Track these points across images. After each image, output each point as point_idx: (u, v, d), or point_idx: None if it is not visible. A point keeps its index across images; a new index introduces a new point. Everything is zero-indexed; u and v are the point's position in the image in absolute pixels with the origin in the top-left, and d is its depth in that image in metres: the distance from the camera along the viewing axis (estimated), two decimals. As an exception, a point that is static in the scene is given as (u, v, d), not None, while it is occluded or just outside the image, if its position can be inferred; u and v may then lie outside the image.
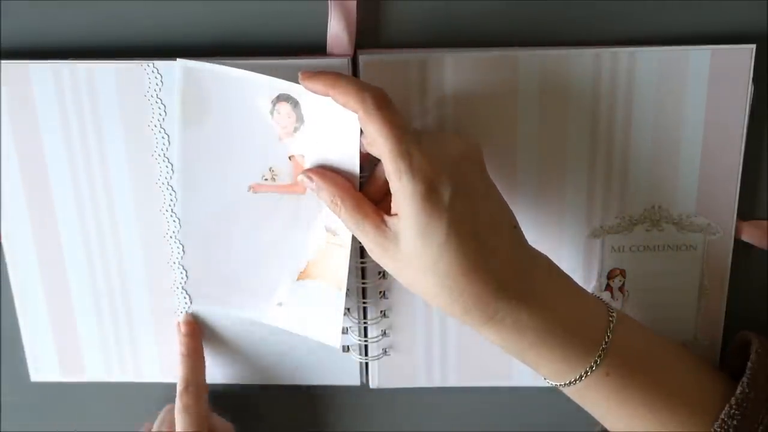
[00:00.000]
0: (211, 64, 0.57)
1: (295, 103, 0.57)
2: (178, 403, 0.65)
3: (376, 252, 0.55)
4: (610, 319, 0.56)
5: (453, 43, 0.60)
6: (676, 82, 0.59)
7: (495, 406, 0.71)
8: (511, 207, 0.57)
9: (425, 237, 0.52)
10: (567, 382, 0.56)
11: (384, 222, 0.55)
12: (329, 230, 0.60)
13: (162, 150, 0.62)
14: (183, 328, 0.67)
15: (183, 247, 0.65)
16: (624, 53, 0.59)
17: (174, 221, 0.65)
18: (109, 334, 0.69)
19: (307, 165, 0.59)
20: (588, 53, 0.59)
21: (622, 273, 0.65)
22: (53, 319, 0.68)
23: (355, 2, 0.59)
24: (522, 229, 0.57)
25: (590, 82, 0.59)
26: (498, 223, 0.55)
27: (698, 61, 0.59)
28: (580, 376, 0.55)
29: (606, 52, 0.59)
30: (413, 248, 0.53)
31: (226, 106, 0.58)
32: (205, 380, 0.67)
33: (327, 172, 0.57)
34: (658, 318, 0.65)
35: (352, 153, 0.57)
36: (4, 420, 0.73)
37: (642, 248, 0.64)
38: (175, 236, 0.65)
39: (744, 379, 0.56)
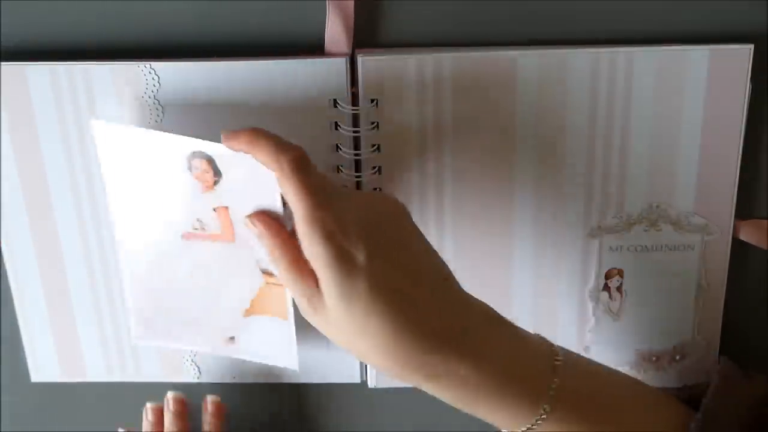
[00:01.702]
0: (125, 126, 0.57)
1: (209, 158, 0.56)
2: None
3: (309, 314, 0.53)
4: (557, 362, 0.54)
5: (451, 43, 0.59)
6: (674, 81, 0.59)
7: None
8: (509, 208, 0.56)
9: (347, 301, 0.50)
10: (520, 431, 0.53)
11: (317, 284, 0.52)
12: (265, 272, 0.60)
13: None
14: (172, 406, 0.67)
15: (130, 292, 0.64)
16: (622, 53, 0.58)
17: None
18: (109, 334, 0.67)
19: (233, 212, 0.58)
20: (586, 53, 0.58)
21: (620, 273, 0.64)
22: (53, 319, 0.67)
23: (352, 2, 0.58)
24: (520, 229, 0.56)
25: (588, 81, 0.59)
26: (425, 276, 0.52)
27: (697, 60, 0.58)
28: (533, 424, 0.53)
29: (604, 52, 0.58)
30: (339, 313, 0.50)
31: (145, 165, 0.58)
32: None
33: (271, 220, 0.55)
34: (656, 318, 0.65)
35: (274, 202, 0.56)
36: (4, 420, 0.72)
37: (640, 248, 0.63)
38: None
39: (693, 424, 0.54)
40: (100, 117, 0.60)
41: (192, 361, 0.68)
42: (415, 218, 0.61)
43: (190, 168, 0.57)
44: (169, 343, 0.64)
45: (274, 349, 0.63)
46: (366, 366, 0.67)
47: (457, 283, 0.53)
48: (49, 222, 0.64)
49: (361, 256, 0.50)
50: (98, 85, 0.59)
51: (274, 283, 0.60)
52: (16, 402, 0.71)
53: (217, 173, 0.57)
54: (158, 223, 0.60)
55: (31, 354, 0.68)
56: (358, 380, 0.68)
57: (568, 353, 0.55)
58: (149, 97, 0.60)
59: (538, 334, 0.56)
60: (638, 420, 0.55)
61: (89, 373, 0.69)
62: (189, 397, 0.68)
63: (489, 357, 0.52)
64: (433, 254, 0.54)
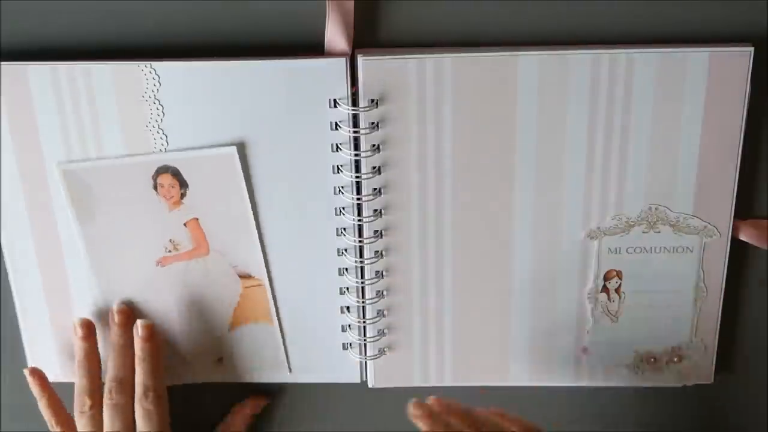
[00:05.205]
0: (88, 162, 0.60)
1: (174, 171, 0.59)
2: (138, 410, 0.62)
3: None
4: None
5: (452, 43, 0.58)
6: (674, 83, 0.58)
7: (491, 406, 0.67)
8: (508, 208, 0.56)
9: None
10: None
11: None
12: (243, 276, 0.63)
13: (160, 150, 0.60)
14: (141, 332, 0.63)
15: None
16: (622, 55, 0.57)
17: None
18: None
19: (203, 221, 0.61)
20: (586, 53, 0.57)
21: (619, 274, 0.63)
22: (53, 319, 0.66)
23: (353, 2, 0.57)
24: (519, 229, 0.56)
25: (589, 83, 0.58)
26: None
27: (697, 63, 0.57)
28: None
29: (605, 54, 0.57)
30: None
31: (111, 196, 0.61)
32: (164, 384, 0.64)
33: None
34: (654, 319, 0.64)
35: (243, 205, 0.59)
36: (4, 420, 0.71)
37: (639, 250, 0.62)
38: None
39: None
40: (99, 117, 0.59)
41: (191, 361, 0.67)
42: (415, 218, 0.60)
43: (155, 187, 0.60)
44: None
45: (264, 359, 0.64)
46: (366, 366, 0.66)
47: None
48: (49, 222, 0.63)
49: None
50: (98, 85, 0.59)
51: (254, 285, 0.62)
52: (16, 402, 0.70)
53: (183, 185, 0.60)
54: (132, 255, 0.62)
55: (31, 354, 0.67)
56: (358, 380, 0.67)
57: None
58: (149, 97, 0.59)
59: None
60: None
61: (89, 373, 0.68)
62: (189, 398, 0.67)
63: None
64: None
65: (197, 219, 0.61)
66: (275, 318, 0.63)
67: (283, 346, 0.64)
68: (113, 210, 0.61)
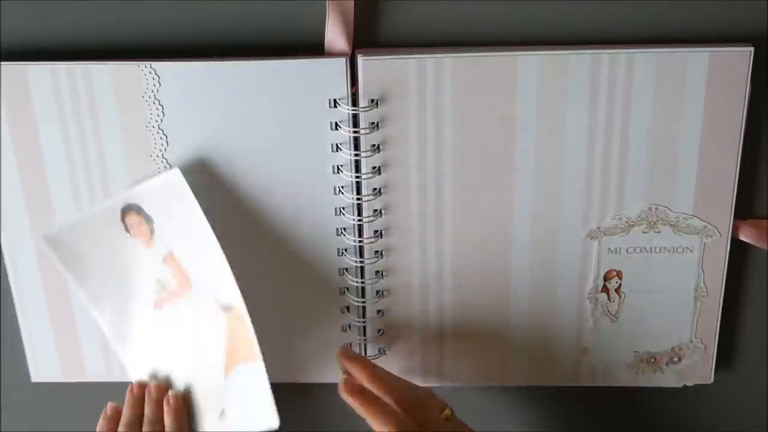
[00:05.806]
0: (63, 223, 0.62)
1: (137, 208, 0.60)
2: None
3: None
4: None
5: (451, 43, 0.58)
6: (674, 83, 0.58)
7: (491, 406, 0.69)
8: (508, 208, 0.56)
9: None
10: None
11: None
12: (225, 308, 0.60)
13: (160, 150, 0.60)
14: (173, 402, 0.64)
15: None
16: (622, 55, 0.57)
17: None
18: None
19: (177, 254, 0.61)
20: (586, 53, 0.57)
21: (619, 274, 0.63)
22: (53, 319, 0.66)
23: (352, 2, 0.57)
24: (519, 230, 0.56)
25: (588, 83, 0.58)
26: None
27: (696, 63, 0.57)
28: None
29: (604, 54, 0.57)
30: None
31: (93, 252, 0.62)
32: None
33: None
34: (654, 319, 0.64)
35: (203, 227, 0.59)
36: (4, 420, 0.71)
37: (639, 250, 0.62)
38: None
39: None
40: (99, 117, 0.59)
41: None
42: (415, 218, 0.60)
43: (127, 229, 0.61)
44: None
45: (256, 407, 0.60)
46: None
47: None
48: (49, 221, 0.63)
49: None
50: (98, 85, 0.59)
51: (235, 318, 0.60)
52: (16, 402, 0.70)
53: (148, 220, 0.60)
54: (132, 303, 0.63)
55: (31, 354, 0.67)
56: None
57: None
58: (149, 97, 0.59)
59: None
60: None
61: (89, 373, 0.68)
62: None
63: None
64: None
65: (172, 253, 0.61)
66: (258, 355, 0.59)
67: (269, 391, 0.59)
68: (102, 263, 0.62)
